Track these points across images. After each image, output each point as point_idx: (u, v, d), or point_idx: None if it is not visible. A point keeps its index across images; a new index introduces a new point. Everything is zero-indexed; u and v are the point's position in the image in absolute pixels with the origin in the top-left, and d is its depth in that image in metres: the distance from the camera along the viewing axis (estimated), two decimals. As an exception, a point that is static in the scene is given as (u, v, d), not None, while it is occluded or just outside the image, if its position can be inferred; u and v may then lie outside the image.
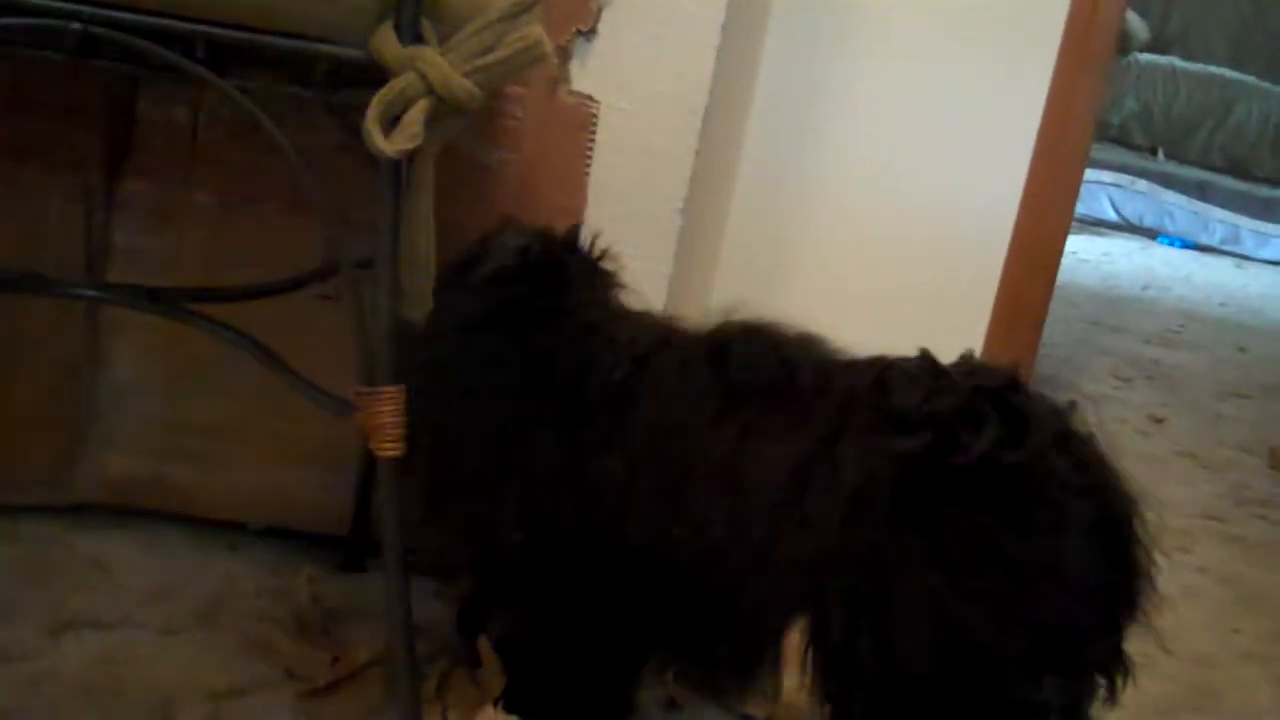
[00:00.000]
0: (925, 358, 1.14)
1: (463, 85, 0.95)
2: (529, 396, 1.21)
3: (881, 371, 1.14)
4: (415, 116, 0.94)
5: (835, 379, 1.16)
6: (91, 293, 1.39)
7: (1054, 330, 3.44)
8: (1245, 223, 5.79)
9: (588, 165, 1.55)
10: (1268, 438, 3.01)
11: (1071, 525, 1.08)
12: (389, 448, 1.03)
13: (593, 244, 1.33)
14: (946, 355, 1.14)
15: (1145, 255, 5.41)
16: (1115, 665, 1.15)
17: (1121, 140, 6.03)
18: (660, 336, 1.25)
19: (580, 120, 1.55)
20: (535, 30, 0.96)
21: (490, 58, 0.96)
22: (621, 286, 1.33)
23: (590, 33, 1.53)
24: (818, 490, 1.09)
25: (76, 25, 0.92)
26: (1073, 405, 1.15)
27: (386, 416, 1.03)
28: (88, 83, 1.46)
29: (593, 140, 1.55)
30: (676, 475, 1.17)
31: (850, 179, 2.10)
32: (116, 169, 1.51)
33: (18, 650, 1.36)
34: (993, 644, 1.06)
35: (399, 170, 0.99)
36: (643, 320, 1.29)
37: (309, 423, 1.58)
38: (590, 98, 1.55)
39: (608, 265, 1.33)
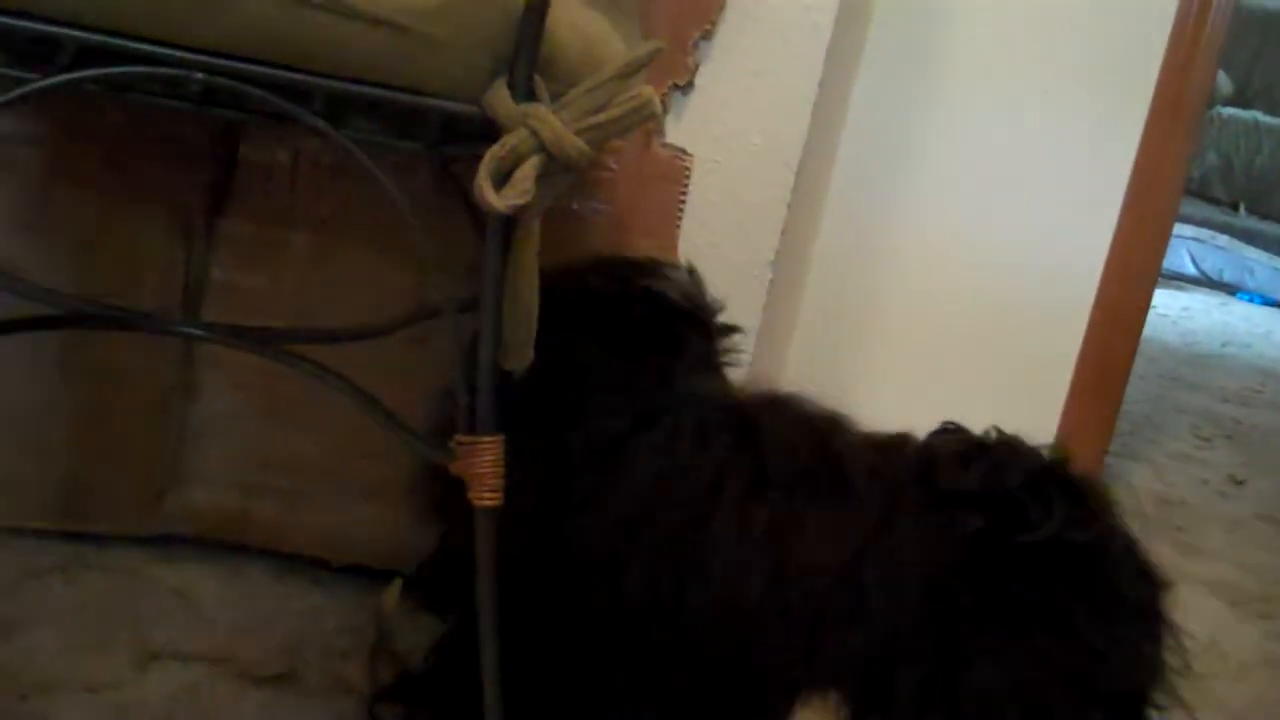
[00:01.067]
0: (961, 433, 1.15)
1: (574, 143, 0.96)
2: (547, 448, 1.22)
3: (926, 452, 1.15)
4: (527, 173, 0.95)
5: (874, 459, 1.16)
6: (193, 330, 1.41)
7: (1132, 387, 3.39)
8: (1327, 280, 5.71)
9: (679, 218, 1.56)
10: (1351, 503, 2.97)
11: (1132, 606, 1.10)
12: (488, 498, 1.04)
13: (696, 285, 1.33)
14: (1029, 415, 1.14)
15: (1224, 311, 5.35)
16: None
17: (1202, 194, 5.97)
18: (681, 398, 1.23)
19: (673, 173, 1.56)
20: (646, 90, 0.97)
21: (602, 116, 0.97)
22: (720, 333, 1.33)
23: (687, 86, 1.54)
24: (876, 575, 1.09)
25: (200, 75, 0.94)
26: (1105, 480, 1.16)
27: (486, 466, 1.04)
28: (192, 126, 1.49)
29: (685, 193, 1.56)
30: (690, 546, 1.16)
31: (933, 235, 2.09)
32: (217, 209, 1.54)
33: (106, 680, 1.39)
34: (1075, 717, 1.06)
35: (507, 224, 1.00)
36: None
37: (394, 464, 1.60)
38: (684, 151, 1.56)
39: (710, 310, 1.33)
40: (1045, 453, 1.12)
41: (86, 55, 0.94)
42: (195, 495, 1.65)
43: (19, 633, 1.43)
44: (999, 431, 1.14)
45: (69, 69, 0.94)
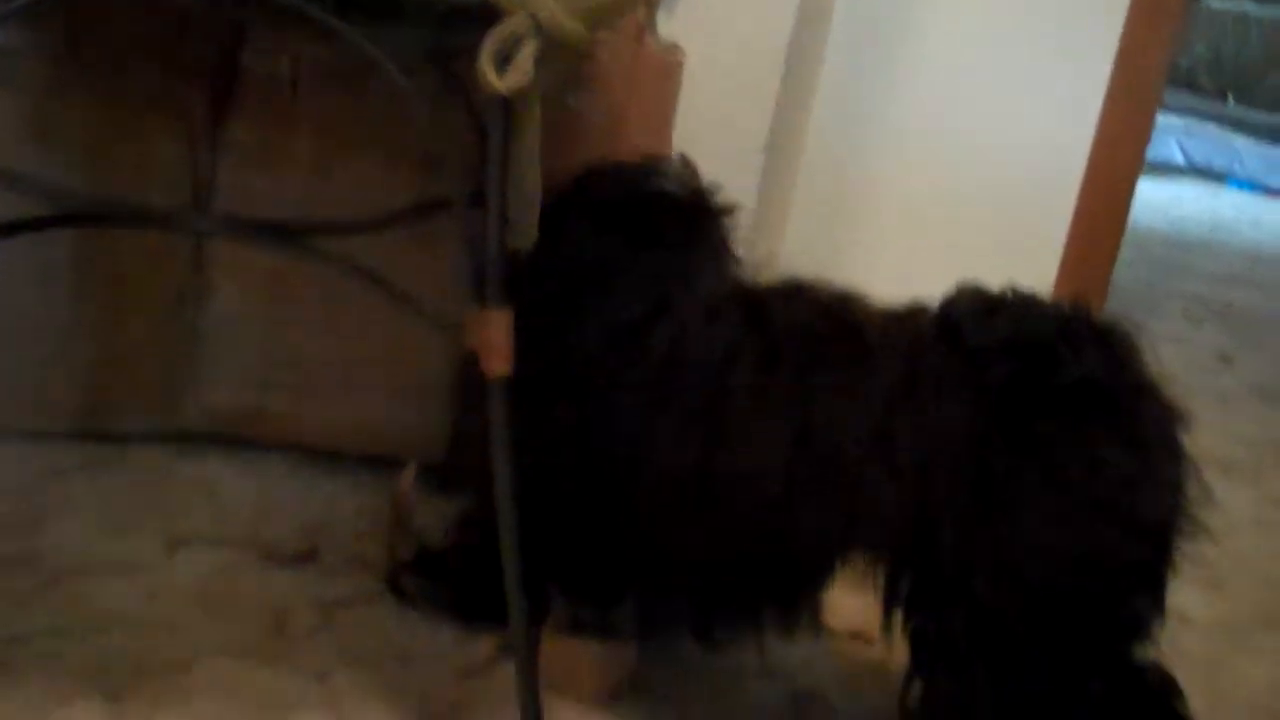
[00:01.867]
0: (978, 291, 1.19)
1: (572, 25, 1.00)
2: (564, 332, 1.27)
3: (946, 309, 1.19)
4: (526, 55, 1.00)
5: (888, 326, 1.20)
6: (213, 227, 1.45)
7: (1123, 273, 3.44)
8: (1315, 166, 5.74)
9: (674, 111, 1.60)
10: (1337, 376, 3.03)
11: (1160, 438, 1.15)
12: (499, 366, 1.09)
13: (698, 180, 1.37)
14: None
15: (1214, 199, 5.39)
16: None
17: (1190, 84, 5.99)
18: (692, 286, 1.27)
19: (667, 68, 1.60)
20: (640, -30, 1.01)
21: (596, 0, 1.01)
22: (726, 224, 1.38)
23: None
24: (906, 433, 1.14)
25: (208, -32, 0.98)
26: (1135, 327, 1.19)
27: (498, 337, 1.09)
28: (195, 36, 1.53)
29: (678, 87, 1.60)
30: (708, 420, 1.20)
31: (924, 119, 2.13)
32: (221, 116, 1.58)
33: (137, 564, 1.45)
34: (1114, 551, 1.12)
35: (509, 106, 1.05)
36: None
37: (404, 356, 1.65)
38: (676, 46, 1.59)
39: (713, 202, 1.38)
40: (1062, 304, 1.16)
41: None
42: (211, 394, 1.70)
43: (48, 524, 1.49)
44: (1014, 288, 1.18)
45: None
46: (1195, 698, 1.49)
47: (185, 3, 1.08)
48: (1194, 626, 1.71)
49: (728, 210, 1.37)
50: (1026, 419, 1.11)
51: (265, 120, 1.60)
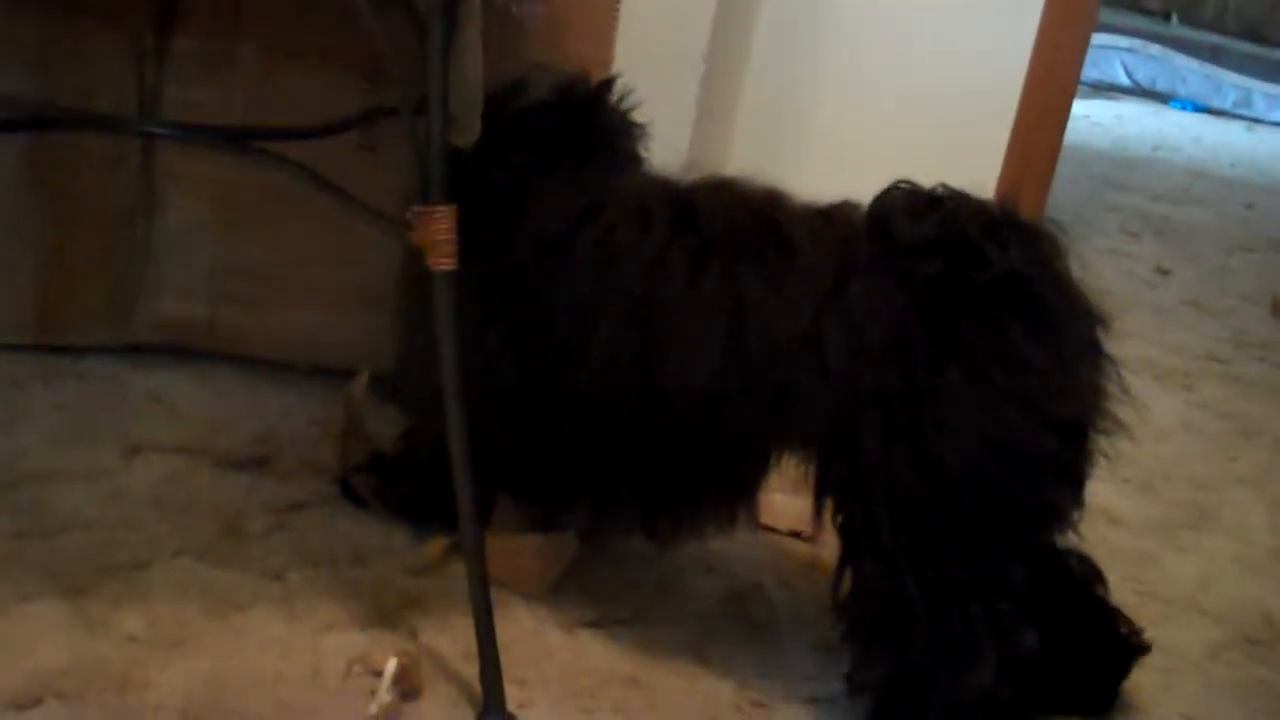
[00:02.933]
0: (911, 188, 1.20)
1: (508, -80, 1.02)
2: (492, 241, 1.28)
3: (878, 207, 1.21)
4: (465, -49, 1.02)
5: (817, 224, 1.23)
6: (160, 130, 1.46)
7: (1065, 189, 3.50)
8: (1258, 86, 5.79)
9: (616, 16, 1.62)
10: (1271, 287, 3.09)
11: (1078, 339, 1.19)
12: (445, 262, 1.12)
13: (623, 97, 1.40)
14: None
15: (1157, 119, 5.44)
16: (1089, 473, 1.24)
17: (1134, 5, 6.02)
18: (619, 192, 1.30)
19: (607, -29, 1.62)
20: None
21: (533, -104, 1.03)
22: (645, 139, 1.40)
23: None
24: (836, 331, 1.16)
25: None
26: (1061, 229, 1.22)
27: (442, 234, 1.11)
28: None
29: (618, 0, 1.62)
30: (641, 323, 1.22)
31: (864, 35, 2.15)
32: (166, 28, 1.59)
33: (96, 469, 1.47)
34: (1030, 444, 1.15)
35: (450, 6, 1.07)
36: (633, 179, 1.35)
37: (352, 268, 1.68)
38: (617, -46, 1.62)
39: (635, 119, 1.40)
40: (992, 203, 1.18)
41: None
42: (163, 305, 1.72)
43: (6, 433, 1.51)
44: (946, 186, 1.20)
45: None
46: (1126, 593, 1.56)
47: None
48: (1126, 526, 1.77)
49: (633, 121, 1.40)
50: (951, 314, 1.14)
51: (210, 31, 1.61)
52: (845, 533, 1.23)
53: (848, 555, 1.22)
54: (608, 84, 1.40)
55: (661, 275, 1.22)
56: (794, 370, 1.18)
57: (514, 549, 1.36)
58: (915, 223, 1.17)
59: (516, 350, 1.30)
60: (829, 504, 1.24)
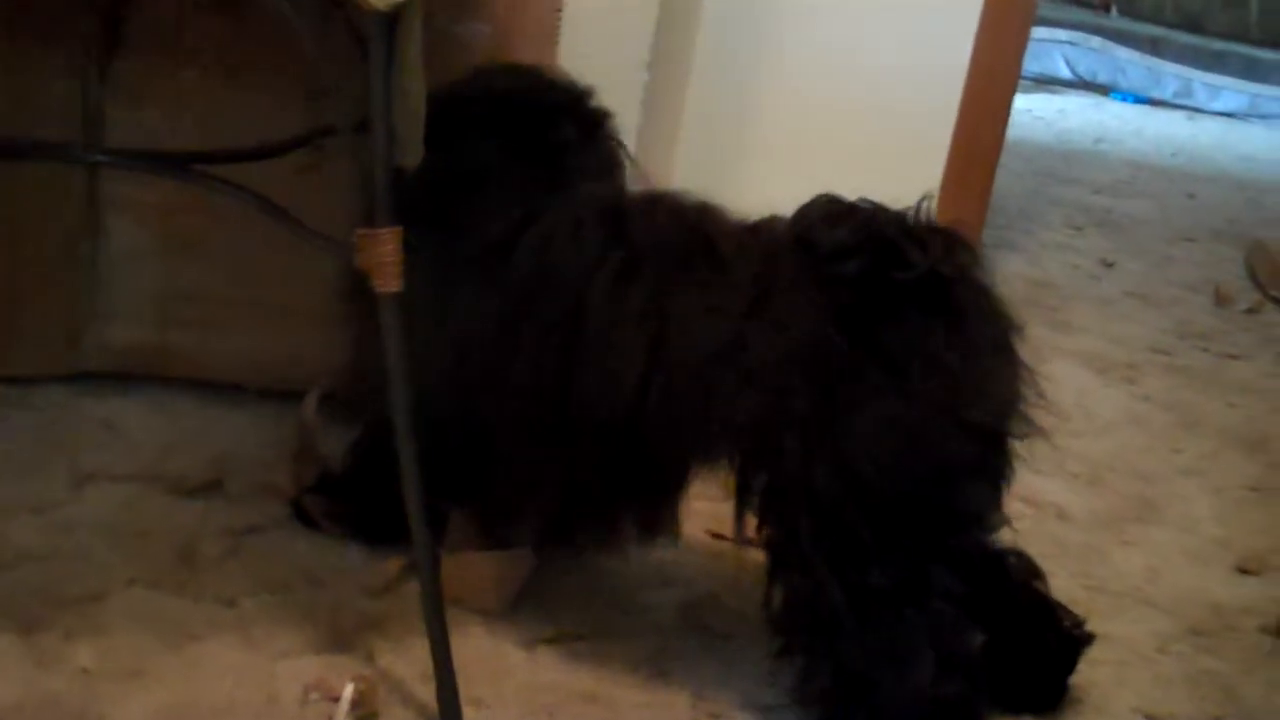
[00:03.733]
0: (832, 199, 1.22)
1: (444, -55, 1.03)
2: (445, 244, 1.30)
3: (799, 217, 1.23)
4: (402, -26, 1.02)
5: (745, 236, 1.24)
6: (103, 157, 1.46)
7: (1008, 183, 3.54)
8: (1197, 76, 5.87)
9: (557, 32, 1.63)
10: (1213, 277, 3.14)
11: (992, 343, 1.21)
12: (391, 284, 1.12)
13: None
14: (906, 197, 1.23)
15: (1098, 111, 5.50)
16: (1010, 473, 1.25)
17: (1074, -2, 6.09)
18: (563, 200, 1.30)
19: (548, -10, 1.63)
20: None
21: (469, -81, 1.04)
22: (618, 143, 1.42)
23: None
24: (759, 341, 1.18)
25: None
26: (968, 230, 1.24)
27: (387, 256, 1.11)
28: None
29: (560, 8, 1.62)
30: (567, 332, 1.23)
31: (807, 40, 2.17)
32: (109, 49, 1.58)
33: (46, 501, 1.46)
34: (946, 450, 1.17)
35: (390, 24, 1.07)
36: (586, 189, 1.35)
37: (301, 288, 1.67)
38: (557, -32, 1.62)
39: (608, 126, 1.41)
40: (908, 211, 1.20)
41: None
42: (112, 332, 1.71)
43: (-45, 467, 1.51)
44: (864, 199, 1.21)
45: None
46: (1075, 587, 1.58)
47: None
48: (1073, 521, 1.80)
49: (604, 113, 1.41)
50: (869, 318, 1.16)
51: (154, 53, 1.60)
52: (769, 546, 1.24)
53: (774, 568, 1.24)
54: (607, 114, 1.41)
55: (590, 285, 1.24)
56: (716, 380, 1.19)
57: (470, 566, 1.37)
58: (834, 229, 1.19)
59: (455, 356, 1.30)
60: (750, 514, 1.25)
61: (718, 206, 1.28)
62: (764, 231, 1.24)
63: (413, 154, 1.13)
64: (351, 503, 1.48)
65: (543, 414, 1.26)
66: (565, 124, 1.37)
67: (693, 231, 1.25)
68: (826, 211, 1.21)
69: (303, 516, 1.49)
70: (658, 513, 1.31)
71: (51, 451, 1.57)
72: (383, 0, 1.01)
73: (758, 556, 1.51)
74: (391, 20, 1.07)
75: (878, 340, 1.15)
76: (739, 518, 1.25)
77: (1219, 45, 5.95)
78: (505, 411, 1.28)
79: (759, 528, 1.24)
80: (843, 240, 1.16)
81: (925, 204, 1.19)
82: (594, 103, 1.40)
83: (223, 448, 1.63)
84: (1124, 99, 5.84)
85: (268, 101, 1.61)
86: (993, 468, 1.22)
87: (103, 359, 1.72)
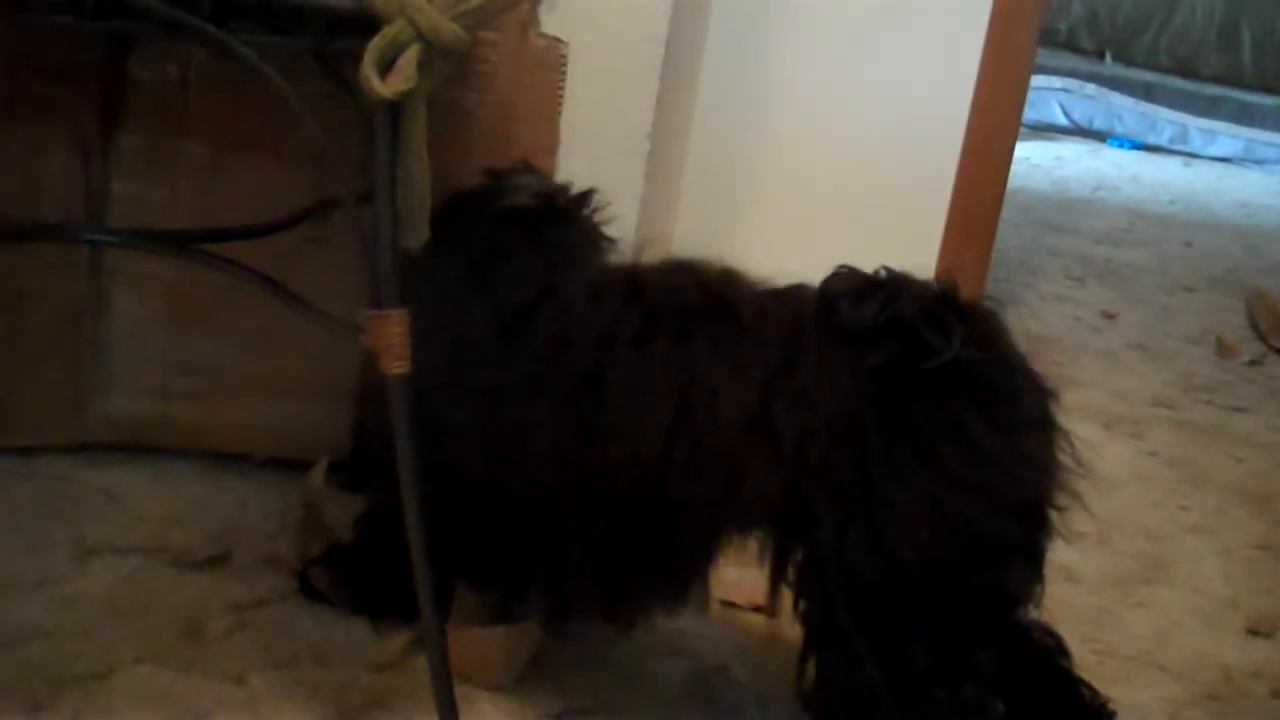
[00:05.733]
0: (854, 273, 1.22)
1: (450, 29, 1.04)
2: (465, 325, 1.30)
3: (823, 292, 1.22)
4: (409, 59, 1.03)
5: (768, 304, 1.24)
6: (106, 237, 1.47)
7: (1007, 234, 3.55)
8: (1193, 121, 5.90)
9: (560, 102, 1.63)
10: (1213, 327, 3.14)
11: (1029, 418, 1.20)
12: (398, 366, 1.12)
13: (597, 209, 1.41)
14: (907, 265, 1.23)
15: (1095, 158, 5.52)
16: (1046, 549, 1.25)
17: (1070, 45, 6.12)
18: (580, 269, 1.31)
19: (551, 61, 1.63)
20: (513, -24, 1.04)
21: (473, 2, 1.04)
22: (612, 248, 1.41)
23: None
24: (786, 413, 1.17)
25: (91, -10, 1.00)
26: (1001, 306, 1.24)
27: (394, 337, 1.12)
28: (80, 44, 1.53)
29: (563, 80, 1.63)
30: (586, 400, 1.23)
31: (806, 99, 2.18)
32: (112, 125, 1.59)
33: (49, 575, 1.46)
34: (983, 528, 1.16)
35: (395, 111, 1.08)
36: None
37: (303, 359, 1.68)
38: (559, 39, 1.63)
39: (605, 229, 1.41)
40: (933, 285, 1.20)
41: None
42: (114, 403, 1.71)
43: (-42, 541, 1.50)
44: (888, 270, 1.21)
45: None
46: (1084, 651, 1.57)
47: (71, 24, 1.09)
48: (1081, 582, 1.79)
49: (583, 201, 1.41)
50: (901, 401, 1.15)
51: (156, 128, 1.61)
52: (805, 621, 1.23)
53: (809, 644, 1.23)
54: (586, 196, 1.41)
55: (609, 350, 1.23)
56: (742, 452, 1.18)
57: (477, 640, 1.36)
58: (859, 307, 1.18)
59: (468, 431, 1.30)
60: (784, 589, 1.24)
61: (739, 272, 1.27)
62: (788, 299, 1.23)
63: (417, 235, 1.14)
64: (357, 576, 1.47)
65: (560, 485, 1.25)
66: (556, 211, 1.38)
67: (712, 296, 1.25)
68: (849, 286, 1.20)
69: (309, 589, 1.49)
70: (683, 586, 1.29)
71: (54, 523, 1.57)
72: (389, 88, 1.02)
73: (764, 623, 1.52)
74: (396, 106, 1.07)
75: (910, 419, 1.15)
76: (774, 590, 1.24)
77: (1213, 90, 5.98)
78: (521, 483, 1.27)
79: (795, 603, 1.22)
80: (867, 324, 1.16)
81: (950, 281, 1.20)
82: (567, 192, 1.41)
83: (226, 518, 1.63)
84: (1120, 145, 5.87)
85: (274, 175, 1.62)
86: (1033, 544, 1.21)
87: (105, 430, 1.72)
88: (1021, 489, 1.18)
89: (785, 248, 2.21)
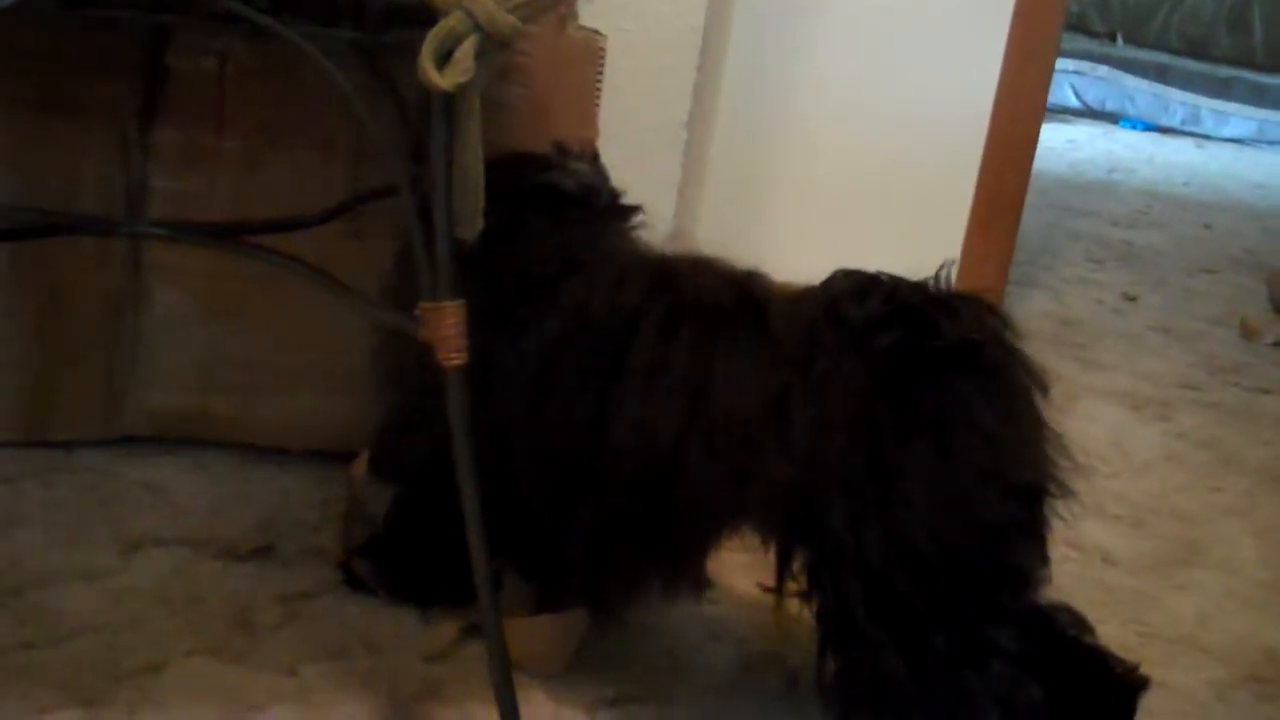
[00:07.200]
0: (853, 273, 1.23)
1: (507, 20, 1.04)
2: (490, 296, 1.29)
3: (827, 291, 1.23)
4: (466, 51, 1.03)
5: (789, 306, 1.24)
6: (150, 229, 1.47)
7: (1026, 218, 3.51)
8: (1205, 103, 5.89)
9: (598, 94, 1.64)
10: (1236, 309, 3.14)
11: (1028, 399, 1.21)
12: (455, 357, 1.13)
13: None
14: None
15: (1109, 140, 5.51)
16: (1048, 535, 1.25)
17: (1081, 27, 6.11)
18: (607, 252, 1.32)
19: (588, 54, 1.63)
20: (570, -34, 1.04)
21: (529, -7, 1.04)
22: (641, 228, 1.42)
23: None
24: (802, 407, 1.17)
25: (149, -15, 1.00)
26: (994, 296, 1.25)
27: (450, 329, 1.12)
28: (118, 38, 1.53)
29: (601, 72, 1.63)
30: (606, 381, 1.23)
31: (831, 87, 2.18)
32: (150, 118, 1.59)
33: (96, 569, 1.46)
34: (993, 512, 1.16)
35: (451, 103, 1.08)
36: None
37: (341, 351, 1.68)
38: (596, 32, 1.63)
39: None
40: (930, 281, 1.21)
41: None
42: (153, 397, 1.72)
43: (3, 535, 1.50)
44: (885, 273, 1.23)
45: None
46: (1127, 634, 1.57)
47: (121, 13, 1.09)
48: (1119, 566, 1.79)
49: (625, 210, 1.41)
50: (911, 387, 1.16)
51: (194, 120, 1.61)
52: (819, 616, 1.23)
53: (826, 640, 1.23)
54: (632, 209, 1.42)
55: (631, 334, 1.24)
56: (756, 444, 1.19)
57: (528, 629, 1.37)
58: (863, 302, 1.19)
59: (491, 403, 1.29)
60: (790, 581, 1.25)
61: (763, 273, 1.28)
62: (805, 301, 1.24)
63: (471, 227, 1.14)
64: (397, 565, 1.48)
65: (573, 462, 1.26)
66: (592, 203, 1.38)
67: (741, 293, 1.25)
68: (851, 285, 1.21)
69: (352, 579, 1.49)
70: (683, 572, 1.31)
71: (97, 516, 1.57)
72: (447, 80, 1.02)
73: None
74: (451, 98, 1.07)
75: (919, 407, 1.15)
76: (780, 580, 1.25)
77: (1225, 72, 5.97)
78: (535, 458, 1.28)
79: (806, 595, 1.23)
80: (873, 313, 1.17)
81: (944, 272, 1.21)
82: (610, 198, 1.41)
83: (267, 509, 1.63)
84: (1133, 127, 5.86)
85: (310, 168, 1.62)
86: (1035, 527, 1.22)
87: (145, 423, 1.72)
88: (1026, 472, 1.19)
89: (811, 236, 2.22)
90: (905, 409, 1.16)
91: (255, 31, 1.08)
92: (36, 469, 1.65)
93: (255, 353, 1.71)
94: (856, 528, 1.16)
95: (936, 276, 1.21)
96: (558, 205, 1.36)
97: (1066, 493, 1.23)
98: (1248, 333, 2.96)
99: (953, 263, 1.21)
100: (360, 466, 1.58)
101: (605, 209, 1.38)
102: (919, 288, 1.20)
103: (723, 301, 1.25)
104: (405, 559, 1.47)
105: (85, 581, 1.44)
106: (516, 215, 1.32)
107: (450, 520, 1.27)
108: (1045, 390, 1.22)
